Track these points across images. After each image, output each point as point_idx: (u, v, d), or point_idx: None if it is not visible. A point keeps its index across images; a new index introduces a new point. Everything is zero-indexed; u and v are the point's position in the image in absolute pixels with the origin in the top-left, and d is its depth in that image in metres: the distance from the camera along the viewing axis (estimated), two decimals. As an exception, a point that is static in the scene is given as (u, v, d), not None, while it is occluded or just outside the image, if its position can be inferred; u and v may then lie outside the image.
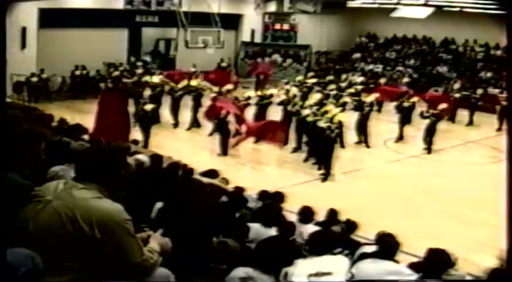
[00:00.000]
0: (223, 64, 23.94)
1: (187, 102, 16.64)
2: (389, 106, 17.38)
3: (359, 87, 19.12)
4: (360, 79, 21.46)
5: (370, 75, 24.01)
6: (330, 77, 21.20)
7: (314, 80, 19.69)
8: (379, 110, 17.95)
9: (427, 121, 14.87)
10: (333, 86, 18.72)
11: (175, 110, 16.42)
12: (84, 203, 2.15)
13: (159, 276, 2.47)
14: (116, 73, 19.09)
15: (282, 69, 25.09)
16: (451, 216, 9.87)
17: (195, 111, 16.30)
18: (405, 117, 15.91)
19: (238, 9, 24.85)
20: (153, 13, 22.09)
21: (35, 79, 18.83)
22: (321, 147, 12.70)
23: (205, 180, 5.78)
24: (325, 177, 12.35)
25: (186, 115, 16.33)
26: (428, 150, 14.70)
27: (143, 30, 23.10)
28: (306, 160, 13.45)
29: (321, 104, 14.31)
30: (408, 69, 24.48)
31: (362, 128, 15.13)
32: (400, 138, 15.70)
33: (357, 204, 9.57)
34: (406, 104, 16.07)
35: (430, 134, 14.71)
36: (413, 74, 23.84)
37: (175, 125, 16.36)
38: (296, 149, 14.19)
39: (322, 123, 12.57)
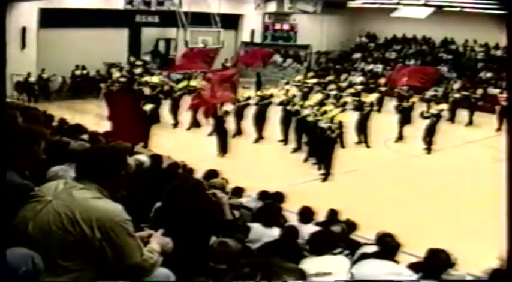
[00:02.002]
0: (227, 64, 23.93)
1: (187, 102, 16.62)
2: (390, 106, 17.37)
3: (359, 87, 19.13)
4: (360, 79, 21.48)
5: (370, 75, 23.99)
6: (330, 77, 21.20)
7: (314, 80, 19.69)
8: (379, 110, 17.94)
9: (427, 121, 14.88)
10: (333, 86, 18.72)
11: (175, 110, 16.41)
12: (84, 203, 2.15)
13: (159, 276, 2.46)
14: (117, 74, 19.05)
15: (282, 69, 25.06)
16: (451, 216, 9.87)
17: (195, 111, 16.28)
18: (405, 117, 15.89)
19: (238, 9, 24.82)
20: (153, 13, 22.06)
21: (32, 79, 18.82)
22: (321, 147, 12.70)
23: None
24: (325, 177, 12.36)
25: (186, 115, 16.32)
26: (428, 150, 14.70)
27: (143, 30, 23.07)
28: (306, 160, 13.45)
29: (321, 104, 14.32)
30: (408, 69, 24.44)
31: (362, 128, 15.13)
32: (400, 138, 15.69)
33: (357, 204, 9.56)
34: (406, 104, 16.07)
35: (430, 134, 14.71)
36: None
37: (175, 125, 16.35)
38: (296, 149, 14.19)
39: (322, 124, 12.58)
